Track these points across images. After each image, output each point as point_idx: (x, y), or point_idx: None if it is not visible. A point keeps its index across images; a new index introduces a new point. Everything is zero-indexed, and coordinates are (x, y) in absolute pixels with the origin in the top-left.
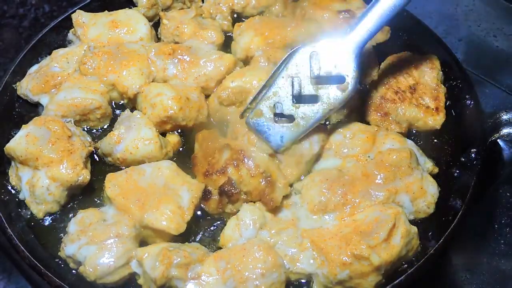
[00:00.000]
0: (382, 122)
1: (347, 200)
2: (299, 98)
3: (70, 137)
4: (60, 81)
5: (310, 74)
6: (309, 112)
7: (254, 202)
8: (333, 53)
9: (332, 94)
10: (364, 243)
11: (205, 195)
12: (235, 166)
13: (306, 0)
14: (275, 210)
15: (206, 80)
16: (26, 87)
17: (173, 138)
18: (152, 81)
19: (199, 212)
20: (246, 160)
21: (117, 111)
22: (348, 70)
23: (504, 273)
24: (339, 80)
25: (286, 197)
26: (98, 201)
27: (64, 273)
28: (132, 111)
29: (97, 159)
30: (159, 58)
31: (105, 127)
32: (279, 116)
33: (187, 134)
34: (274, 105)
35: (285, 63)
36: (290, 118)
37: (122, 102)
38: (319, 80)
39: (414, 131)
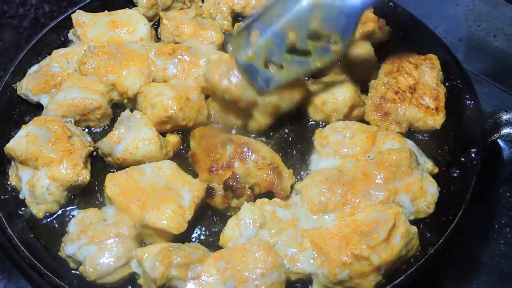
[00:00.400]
0: (382, 122)
1: (347, 200)
2: (292, 49)
3: (70, 137)
4: (60, 81)
5: (308, 28)
6: (298, 64)
7: (255, 201)
8: (334, 12)
9: (325, 52)
10: (364, 243)
11: (209, 193)
12: (241, 159)
13: None
14: (285, 198)
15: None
16: (26, 87)
17: (173, 138)
18: (152, 81)
19: (199, 212)
20: (251, 152)
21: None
22: (345, 32)
23: (504, 273)
24: (334, 39)
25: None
26: (98, 201)
27: (64, 273)
28: (132, 111)
29: (97, 159)
30: (159, 58)
31: (105, 127)
32: (270, 62)
33: (187, 134)
34: (267, 51)
35: (286, 10)
36: (280, 66)
37: (117, 101)
38: (315, 35)
39: (414, 131)
